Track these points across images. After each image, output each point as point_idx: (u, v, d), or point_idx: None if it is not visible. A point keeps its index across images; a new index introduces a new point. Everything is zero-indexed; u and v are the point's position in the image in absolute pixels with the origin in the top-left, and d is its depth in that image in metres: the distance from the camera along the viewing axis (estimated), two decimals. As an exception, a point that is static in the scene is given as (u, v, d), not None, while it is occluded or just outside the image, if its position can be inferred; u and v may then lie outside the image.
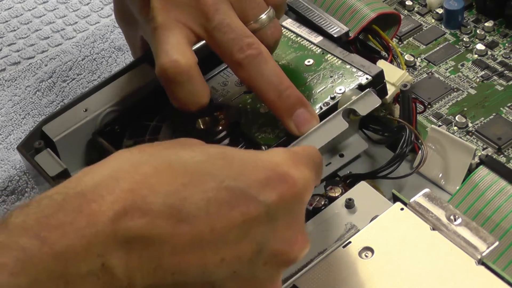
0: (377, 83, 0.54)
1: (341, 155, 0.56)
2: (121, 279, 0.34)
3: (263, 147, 0.51)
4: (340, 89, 0.53)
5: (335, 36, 0.58)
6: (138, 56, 0.61)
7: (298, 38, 0.59)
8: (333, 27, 0.58)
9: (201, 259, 0.36)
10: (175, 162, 0.37)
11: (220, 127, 0.52)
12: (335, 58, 0.56)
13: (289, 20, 0.61)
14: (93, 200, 0.34)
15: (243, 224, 0.36)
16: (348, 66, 0.55)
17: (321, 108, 0.52)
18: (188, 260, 0.36)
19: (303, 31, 0.59)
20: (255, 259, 0.37)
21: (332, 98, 0.53)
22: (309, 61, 0.56)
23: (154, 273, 0.35)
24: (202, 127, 0.52)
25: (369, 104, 0.52)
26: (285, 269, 0.40)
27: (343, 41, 0.58)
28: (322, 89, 0.54)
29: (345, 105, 0.52)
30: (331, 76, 0.55)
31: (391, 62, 0.60)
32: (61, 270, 0.33)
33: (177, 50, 0.49)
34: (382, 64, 0.58)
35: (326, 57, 0.56)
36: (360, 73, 0.54)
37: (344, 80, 0.54)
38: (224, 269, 0.37)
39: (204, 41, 0.53)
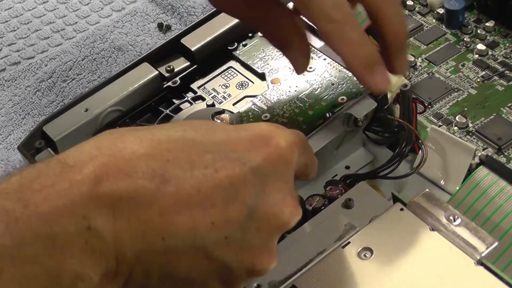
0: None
1: (347, 167, 0.56)
2: (109, 242, 0.34)
3: None
4: (343, 99, 0.53)
5: None
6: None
7: None
8: None
9: (190, 221, 0.36)
10: (158, 133, 0.37)
11: None
12: (337, 64, 0.56)
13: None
14: (75, 165, 0.35)
15: (230, 186, 0.37)
16: (350, 74, 0.55)
17: (323, 117, 0.52)
18: (177, 222, 0.35)
19: None
20: (246, 223, 0.37)
21: (335, 107, 0.53)
22: (310, 67, 0.56)
23: (143, 236, 0.35)
24: None
25: (365, 107, 0.53)
26: (278, 235, 0.39)
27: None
28: (324, 97, 0.54)
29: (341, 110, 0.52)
30: (333, 84, 0.54)
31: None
32: (47, 231, 0.33)
33: None
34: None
35: (328, 63, 0.56)
36: None
37: (346, 89, 0.54)
38: (215, 234, 0.36)
39: (206, 40, 0.53)
